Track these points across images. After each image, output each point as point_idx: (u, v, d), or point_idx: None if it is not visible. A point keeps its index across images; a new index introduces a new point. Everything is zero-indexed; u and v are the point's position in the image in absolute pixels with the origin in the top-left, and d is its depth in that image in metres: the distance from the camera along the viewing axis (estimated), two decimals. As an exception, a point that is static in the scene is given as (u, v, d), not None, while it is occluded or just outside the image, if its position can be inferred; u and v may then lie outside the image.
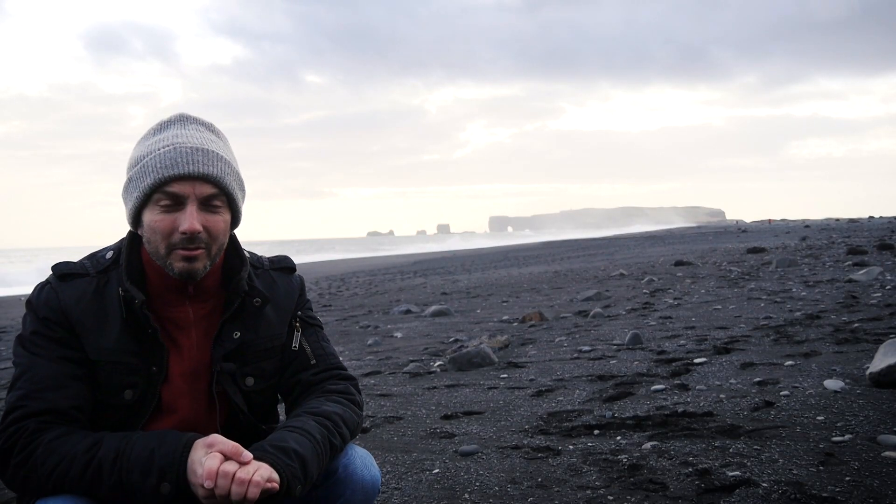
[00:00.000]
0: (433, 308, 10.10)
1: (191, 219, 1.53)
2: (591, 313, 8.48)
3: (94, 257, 1.67)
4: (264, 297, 1.72)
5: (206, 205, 1.57)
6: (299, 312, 1.82)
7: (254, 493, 1.36)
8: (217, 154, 1.59)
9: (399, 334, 8.19)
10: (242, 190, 1.67)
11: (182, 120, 1.64)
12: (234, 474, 1.37)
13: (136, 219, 1.60)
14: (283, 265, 1.85)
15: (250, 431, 1.71)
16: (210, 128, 1.66)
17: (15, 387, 1.53)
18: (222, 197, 1.59)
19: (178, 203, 1.55)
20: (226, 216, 1.62)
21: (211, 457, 1.39)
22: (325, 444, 1.57)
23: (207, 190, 1.56)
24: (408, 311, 10.43)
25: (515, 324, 8.38)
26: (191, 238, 1.54)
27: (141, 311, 1.58)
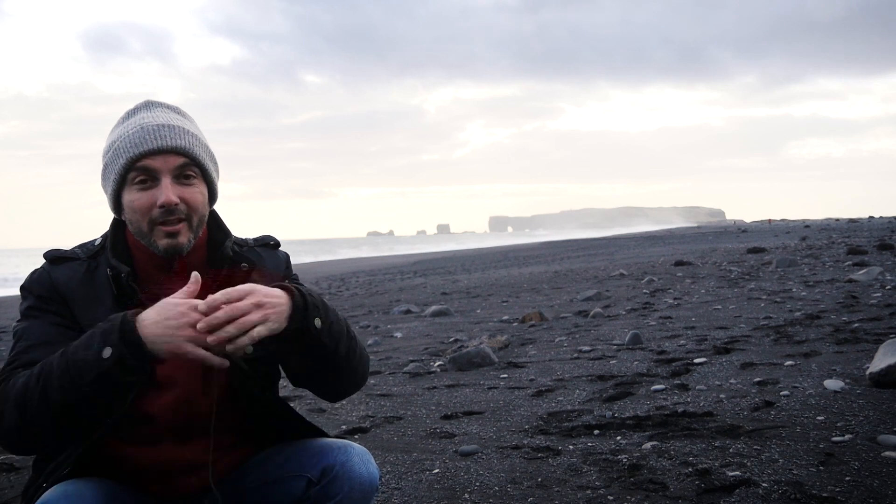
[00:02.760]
0: (433, 308, 10.10)
1: (166, 191, 1.57)
2: (591, 313, 8.48)
3: (84, 245, 1.72)
4: (251, 262, 1.73)
5: (179, 177, 1.60)
6: (288, 281, 1.83)
7: (258, 318, 1.41)
8: (183, 128, 1.63)
9: (399, 334, 8.19)
10: (215, 164, 1.71)
11: (148, 105, 1.69)
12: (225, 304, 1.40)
13: (116, 203, 1.65)
14: (267, 242, 1.87)
15: (251, 406, 1.68)
16: (176, 110, 1.70)
17: (13, 349, 1.58)
18: (194, 167, 1.63)
19: (152, 179, 1.58)
20: (202, 188, 1.65)
21: (181, 291, 1.42)
22: (345, 323, 1.62)
23: (178, 161, 1.60)
24: (408, 311, 10.43)
25: (515, 324, 8.38)
26: (169, 210, 1.57)
27: (128, 284, 1.60)
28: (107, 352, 1.37)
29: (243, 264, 1.71)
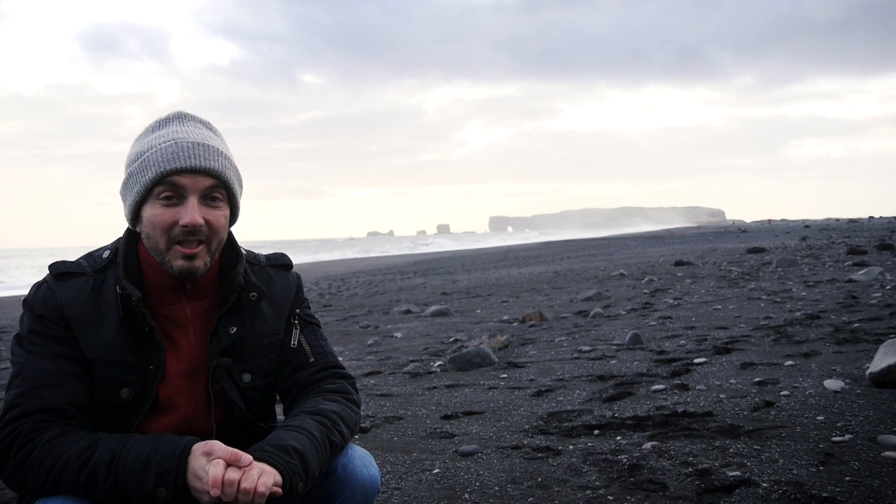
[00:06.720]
0: (433, 308, 10.10)
1: (192, 212, 1.54)
2: (591, 313, 8.48)
3: (91, 256, 1.67)
4: (260, 291, 1.72)
5: (206, 198, 1.58)
6: (297, 310, 1.82)
7: (259, 501, 1.38)
8: (217, 149, 1.61)
9: (399, 334, 8.19)
10: (241, 185, 1.69)
11: (180, 117, 1.66)
12: (238, 482, 1.37)
13: (135, 214, 1.61)
14: (279, 262, 1.85)
15: (247, 430, 1.71)
16: (207, 125, 1.68)
17: (12, 385, 1.53)
18: (222, 190, 1.61)
19: (178, 196, 1.56)
20: (225, 211, 1.63)
21: (214, 464, 1.39)
22: (325, 441, 1.57)
23: (208, 182, 1.58)
24: (408, 311, 10.43)
25: (515, 324, 8.38)
26: (192, 231, 1.55)
27: (138, 309, 1.58)
28: (161, 493, 1.41)
29: (252, 294, 1.70)
